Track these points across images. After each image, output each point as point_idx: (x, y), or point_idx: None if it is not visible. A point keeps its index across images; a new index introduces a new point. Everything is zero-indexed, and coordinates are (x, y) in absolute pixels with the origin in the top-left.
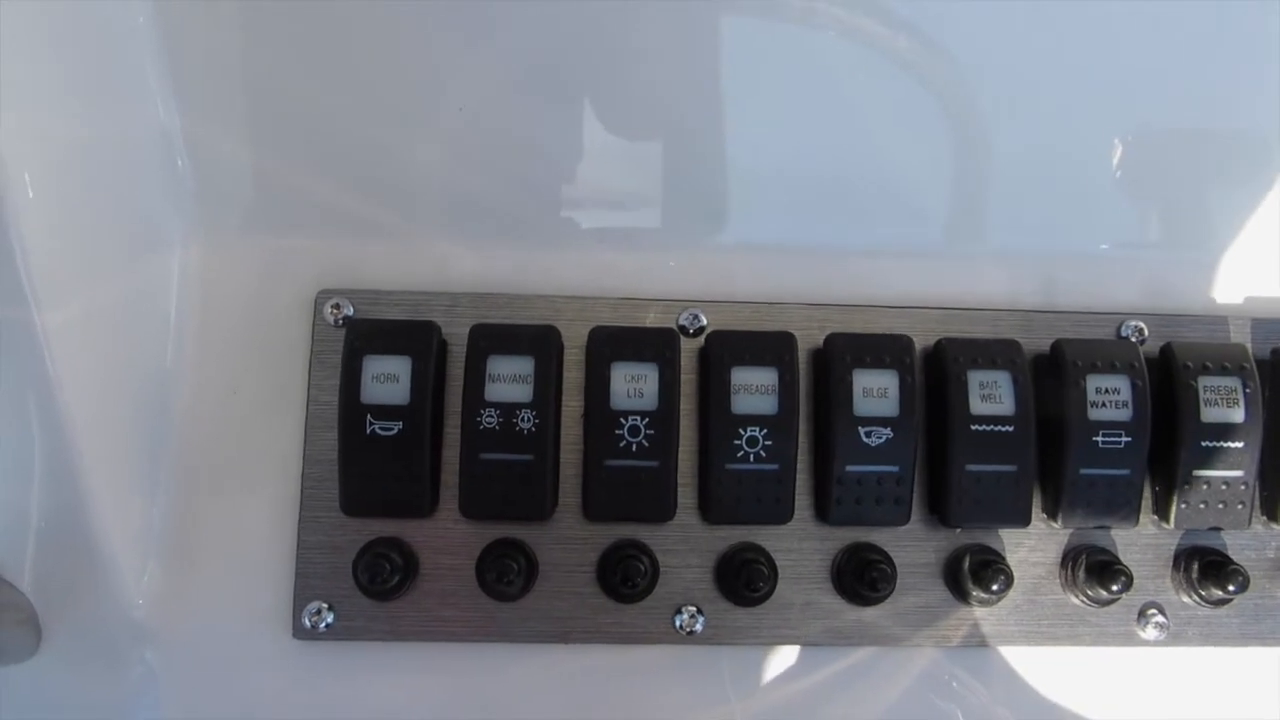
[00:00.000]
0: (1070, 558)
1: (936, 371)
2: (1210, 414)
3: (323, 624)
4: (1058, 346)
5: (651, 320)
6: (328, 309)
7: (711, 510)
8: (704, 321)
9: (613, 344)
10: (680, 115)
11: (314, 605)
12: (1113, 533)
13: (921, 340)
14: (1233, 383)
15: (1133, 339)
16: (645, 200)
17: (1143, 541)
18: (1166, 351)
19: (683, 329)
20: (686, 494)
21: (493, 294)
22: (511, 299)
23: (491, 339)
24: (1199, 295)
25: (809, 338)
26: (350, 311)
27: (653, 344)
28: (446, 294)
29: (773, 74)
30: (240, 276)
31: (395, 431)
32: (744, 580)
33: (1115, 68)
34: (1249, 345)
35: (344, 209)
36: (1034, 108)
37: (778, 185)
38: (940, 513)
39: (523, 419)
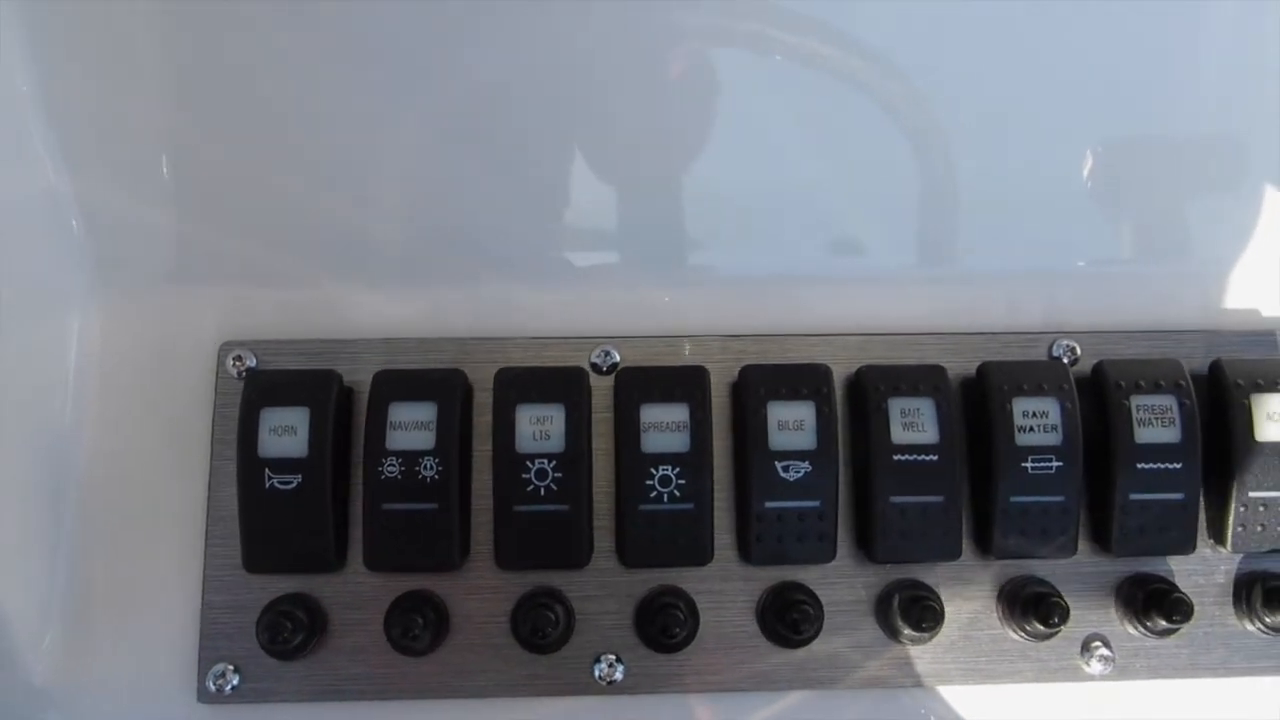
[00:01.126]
0: (1007, 591)
1: (857, 400)
2: (1145, 434)
3: (228, 686)
4: (983, 369)
5: (561, 359)
6: (230, 361)
7: (627, 553)
8: (616, 358)
9: (517, 385)
10: (589, 150)
11: (219, 667)
12: (1051, 563)
13: (843, 369)
14: (1167, 401)
15: (1064, 359)
16: (555, 237)
17: (1084, 571)
18: (1098, 370)
19: (595, 367)
20: (607, 537)
21: (400, 339)
22: (420, 343)
23: (393, 385)
24: (1134, 311)
25: (727, 370)
26: (253, 363)
27: (558, 384)
28: (353, 341)
29: (680, 105)
30: (142, 333)
31: (294, 485)
32: (659, 626)
33: (1036, 88)
34: (1184, 361)
35: (245, 259)
36: (954, 127)
37: (690, 216)
38: (866, 548)
39: (426, 466)
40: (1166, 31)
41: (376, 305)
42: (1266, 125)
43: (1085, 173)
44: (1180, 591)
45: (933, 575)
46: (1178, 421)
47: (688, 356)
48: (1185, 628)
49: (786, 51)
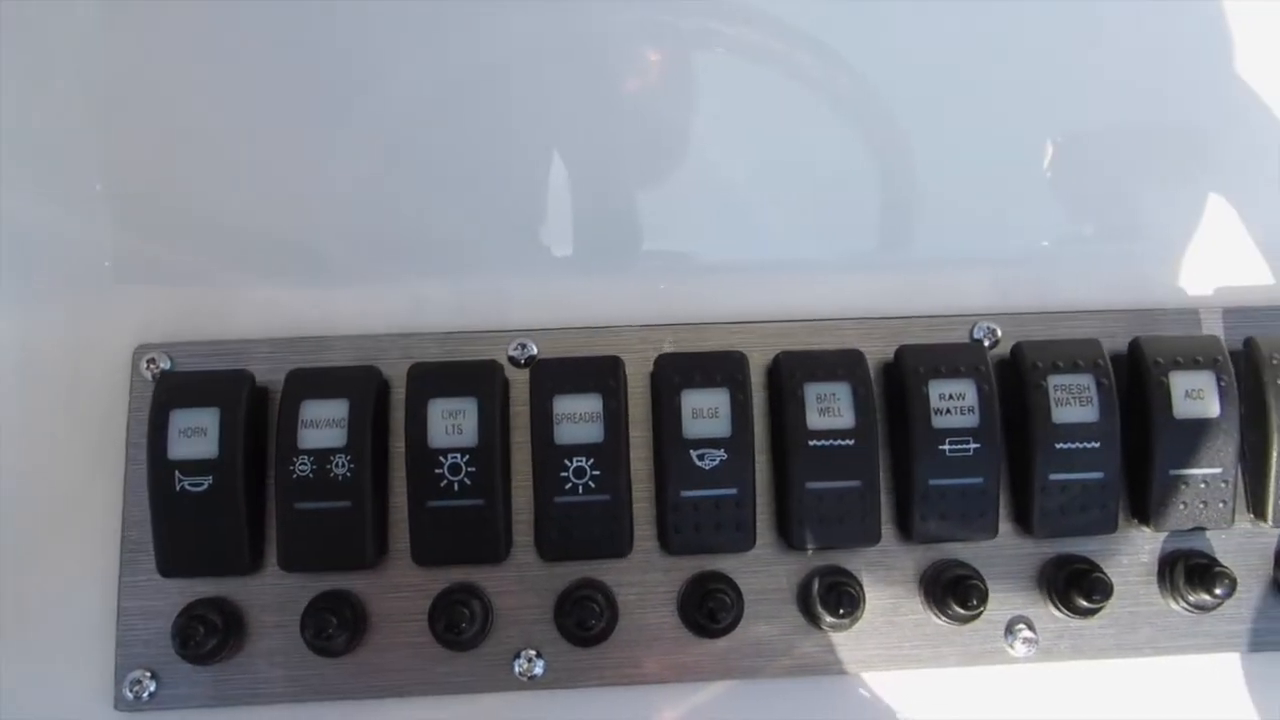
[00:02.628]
0: (928, 575)
1: (775, 387)
2: (1063, 414)
3: (145, 693)
4: (900, 353)
5: (478, 354)
6: (143, 365)
7: (544, 547)
8: (534, 351)
9: (429, 380)
10: (502, 144)
11: (135, 674)
12: (974, 546)
13: (763, 356)
14: (1085, 380)
15: (985, 341)
16: (469, 231)
17: (1006, 553)
18: (1016, 351)
19: (513, 360)
20: (529, 531)
21: (316, 337)
22: (337, 340)
23: (305, 384)
24: (1056, 293)
25: (646, 360)
26: (167, 365)
27: (470, 377)
28: (268, 340)
29: (595, 97)
30: (55, 339)
31: (205, 487)
32: (575, 619)
33: (956, 77)
34: (1106, 341)
35: (159, 262)
36: (870, 117)
37: (607, 208)
38: (785, 535)
39: (338, 464)
40: (1092, 20)
41: (293, 305)
42: (1174, 112)
43: (1005, 160)
44: (1100, 571)
45: (854, 561)
46: (1095, 401)
47: (606, 348)
48: (1109, 607)
49: (706, 41)
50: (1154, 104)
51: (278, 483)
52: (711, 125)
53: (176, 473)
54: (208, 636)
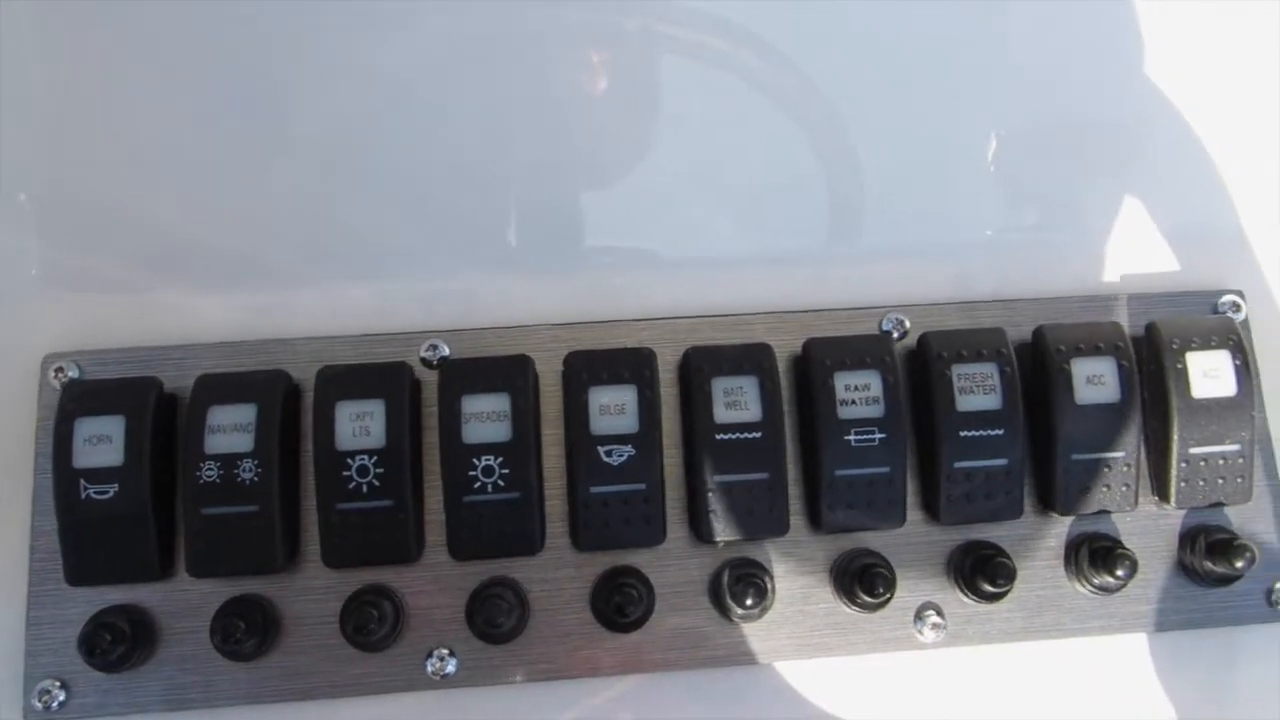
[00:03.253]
0: (838, 564)
1: (683, 382)
2: (966, 402)
3: (54, 703)
4: (806, 345)
5: (391, 356)
6: (51, 374)
7: (454, 546)
8: (446, 351)
9: (337, 383)
10: (413, 147)
11: (44, 684)
12: (883, 535)
13: (673, 352)
14: (987, 368)
15: (894, 333)
16: (382, 233)
17: (915, 541)
18: (922, 342)
19: (425, 362)
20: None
21: (228, 343)
22: (249, 345)
23: (212, 389)
24: (962, 283)
25: (558, 358)
26: (75, 374)
27: (377, 380)
28: (180, 347)
29: (505, 94)
30: None
31: (111, 495)
32: (484, 617)
33: (865, 70)
34: (1013, 330)
35: (68, 270)
36: (779, 110)
37: (515, 208)
38: (695, 528)
39: (245, 469)
40: (1002, 19)
41: (204, 311)
42: (1079, 107)
43: (911, 155)
44: (1005, 556)
45: (764, 552)
46: (999, 389)
47: (518, 348)
48: (1016, 592)
49: (618, 39)
50: (1060, 100)
51: (185, 489)
52: (622, 124)
53: (82, 481)
54: (115, 644)
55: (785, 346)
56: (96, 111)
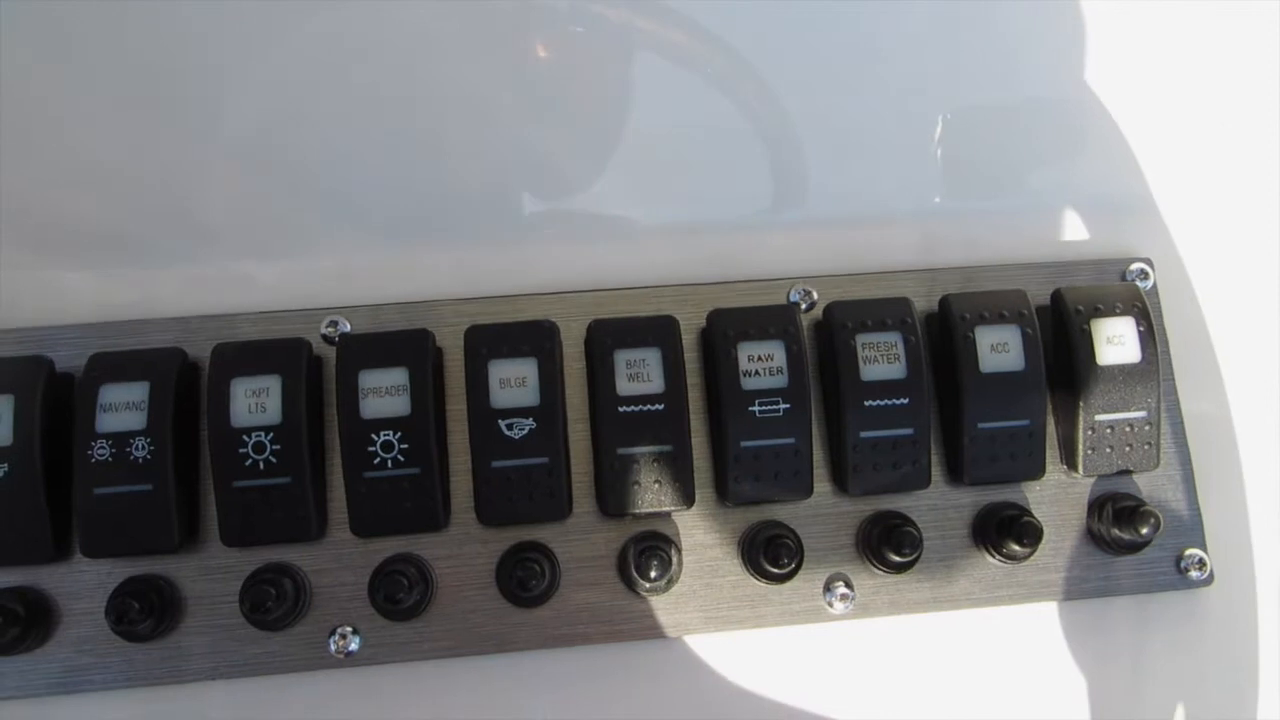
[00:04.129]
0: (745, 537)
1: (588, 355)
2: (870, 372)
3: None
4: (710, 317)
5: (291, 333)
6: None
7: (355, 523)
8: (347, 328)
9: (232, 359)
10: (309, 117)
11: None
12: (792, 506)
13: (579, 325)
14: (892, 338)
15: (801, 304)
16: (281, 210)
17: (824, 512)
18: (827, 312)
19: (326, 338)
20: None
21: (125, 321)
22: (147, 324)
23: (105, 367)
24: (871, 253)
25: (461, 334)
26: None
27: (273, 355)
28: (75, 326)
29: (407, 64)
30: None
31: (1, 475)
32: (384, 594)
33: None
34: (916, 299)
35: None
36: (689, 77)
37: (415, 180)
38: (600, 502)
39: (138, 447)
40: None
41: (102, 290)
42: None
43: (818, 126)
44: (911, 525)
45: (672, 525)
46: (903, 358)
47: (421, 323)
48: (925, 562)
49: (527, 5)
50: (973, 75)
51: (77, 468)
52: (524, 91)
53: None
54: (8, 626)
55: (693, 319)
56: None
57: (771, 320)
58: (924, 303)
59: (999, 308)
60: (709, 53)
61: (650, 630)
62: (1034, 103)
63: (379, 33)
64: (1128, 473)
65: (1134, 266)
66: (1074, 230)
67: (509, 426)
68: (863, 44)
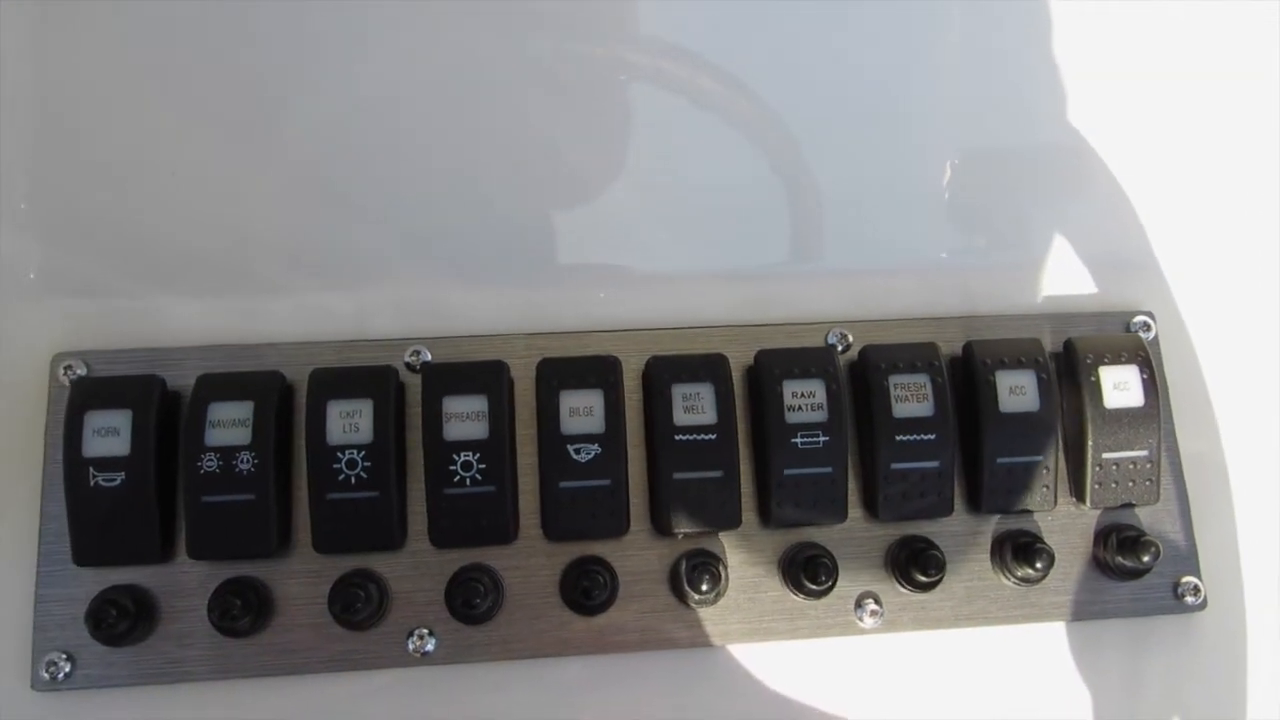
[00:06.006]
0: (786, 556)
1: (647, 388)
2: (901, 410)
3: (60, 674)
4: (759, 357)
5: (376, 360)
6: (61, 371)
7: (435, 535)
8: (428, 356)
9: (329, 383)
10: (399, 162)
11: (51, 656)
12: (827, 529)
13: (638, 360)
14: (921, 379)
15: (837, 345)
16: (370, 245)
17: (856, 536)
18: (863, 354)
19: (409, 366)
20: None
21: (224, 345)
22: (241, 349)
23: (212, 387)
24: (900, 300)
25: (531, 364)
26: (83, 372)
27: (365, 381)
28: (180, 349)
29: (480, 110)
30: None
31: (118, 482)
32: (461, 599)
33: (810, 101)
34: (943, 345)
35: (71, 275)
36: (737, 138)
37: (491, 223)
38: (656, 521)
39: (242, 461)
40: (931, 48)
41: (204, 315)
42: (1008, 137)
43: (857, 183)
44: (936, 549)
45: (719, 544)
46: (931, 397)
47: (495, 354)
48: (947, 582)
49: (586, 60)
50: (992, 134)
51: (186, 478)
52: (593, 149)
53: (91, 469)
54: (120, 619)
55: (740, 357)
56: (94, 124)
57: (813, 361)
58: (948, 347)
59: (1017, 354)
60: (755, 121)
61: (698, 639)
62: (1049, 164)
63: (462, 84)
64: (1130, 506)
65: (1138, 319)
66: (1084, 284)
67: (576, 451)
68: (892, 106)
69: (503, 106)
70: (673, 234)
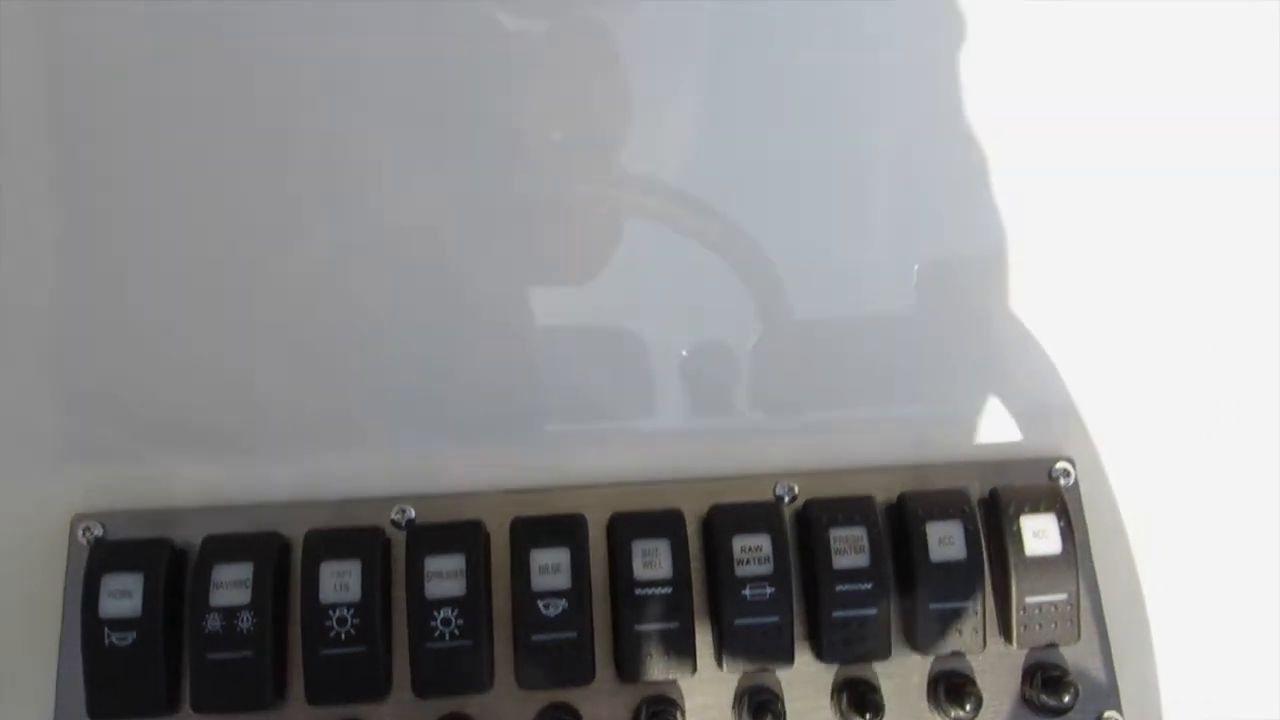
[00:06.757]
0: (738, 699)
1: (610, 543)
2: (841, 561)
3: None
4: (710, 513)
5: (366, 519)
6: (80, 533)
7: (418, 686)
8: (412, 514)
9: (321, 545)
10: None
11: None
12: (776, 673)
13: (603, 513)
14: (858, 532)
15: (785, 497)
16: (357, 410)
17: (804, 676)
18: (805, 508)
19: (395, 523)
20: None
21: (229, 506)
22: (244, 508)
23: (215, 549)
24: (843, 452)
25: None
26: (100, 533)
27: (354, 542)
28: (188, 509)
29: (443, 273)
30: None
31: (130, 641)
32: None
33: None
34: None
35: (88, 441)
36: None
37: (468, 391)
38: (618, 669)
39: (243, 620)
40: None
41: (210, 478)
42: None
43: (802, 349)
44: (876, 691)
45: (677, 689)
46: (867, 549)
47: (473, 511)
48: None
49: (547, 214)
50: (923, 296)
51: (191, 637)
52: (559, 304)
53: (106, 629)
54: None
55: (696, 507)
56: (114, 313)
57: (760, 516)
58: (884, 495)
59: (945, 505)
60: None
61: None
62: (977, 324)
63: (434, 257)
64: (1054, 645)
65: (1058, 465)
66: (1011, 433)
67: (545, 606)
68: (823, 274)
69: (468, 285)
70: (631, 392)
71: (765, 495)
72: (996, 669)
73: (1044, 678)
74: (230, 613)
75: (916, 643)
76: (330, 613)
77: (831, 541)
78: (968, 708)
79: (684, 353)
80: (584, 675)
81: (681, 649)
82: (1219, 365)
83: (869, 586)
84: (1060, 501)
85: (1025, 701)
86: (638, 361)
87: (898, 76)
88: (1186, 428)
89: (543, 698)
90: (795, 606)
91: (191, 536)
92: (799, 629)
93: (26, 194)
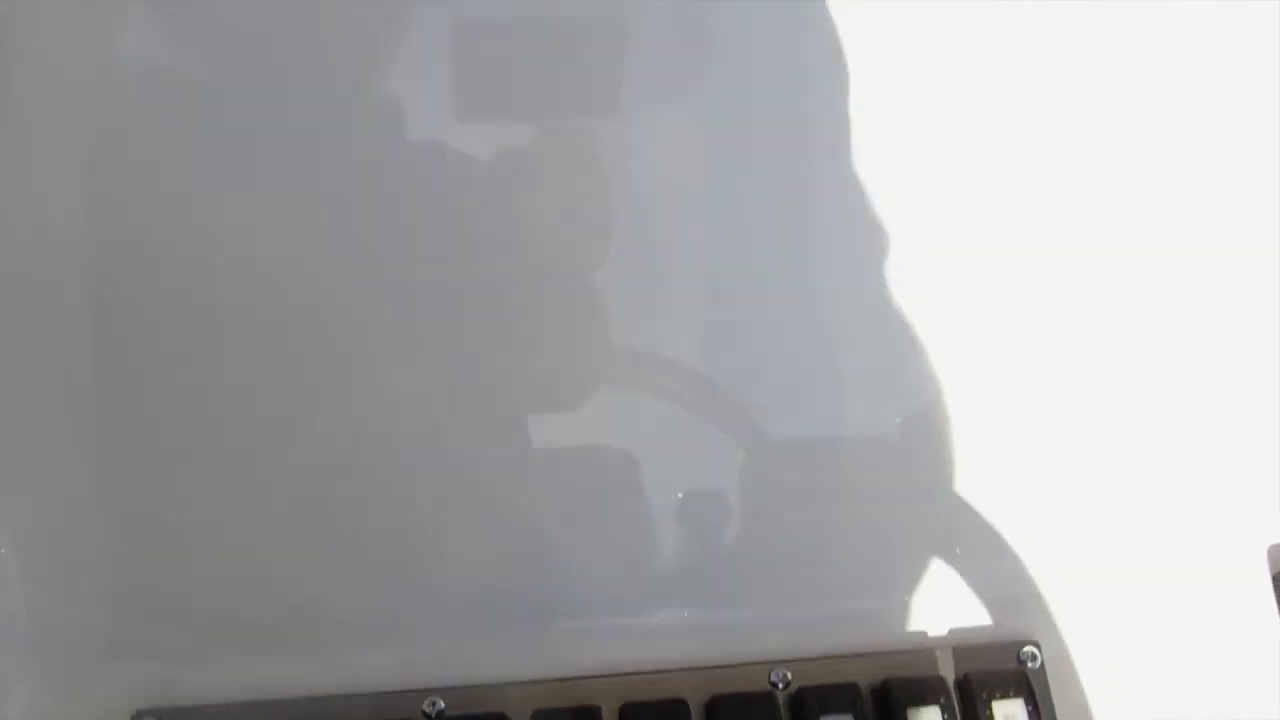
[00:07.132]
0: None
1: None
2: None
3: None
4: (709, 705)
5: (398, 709)
6: None
7: None
8: (442, 706)
9: None
10: (416, 542)
11: None
12: None
13: (615, 701)
14: (847, 718)
15: (779, 684)
16: (391, 604)
17: None
18: (797, 696)
19: (426, 715)
20: None
21: (279, 700)
22: (289, 703)
23: None
24: (831, 640)
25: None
26: None
27: None
28: (239, 704)
29: (469, 471)
30: (62, 710)
31: None
32: None
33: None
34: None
35: (149, 641)
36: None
37: (488, 592)
38: None
39: None
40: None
41: (258, 674)
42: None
43: (791, 546)
44: None
45: None
46: None
47: (494, 703)
48: None
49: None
50: (901, 509)
51: None
52: (569, 528)
53: None
54: None
55: (700, 696)
56: (164, 520)
57: (755, 711)
58: (869, 679)
59: (925, 691)
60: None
61: None
62: (949, 522)
63: (450, 471)
64: None
65: (1026, 649)
66: (981, 618)
67: None
68: (804, 472)
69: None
70: (644, 594)
71: (761, 683)
72: None
73: None
74: None
75: None
76: None
77: None
78: None
79: (690, 551)
80: None
81: None
82: (1170, 551)
83: None
84: (1028, 685)
85: None
86: (650, 557)
87: (873, 242)
88: (1147, 605)
89: None
90: None
91: None
92: None
93: (70, 402)
